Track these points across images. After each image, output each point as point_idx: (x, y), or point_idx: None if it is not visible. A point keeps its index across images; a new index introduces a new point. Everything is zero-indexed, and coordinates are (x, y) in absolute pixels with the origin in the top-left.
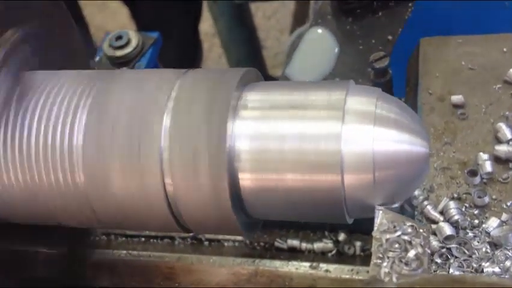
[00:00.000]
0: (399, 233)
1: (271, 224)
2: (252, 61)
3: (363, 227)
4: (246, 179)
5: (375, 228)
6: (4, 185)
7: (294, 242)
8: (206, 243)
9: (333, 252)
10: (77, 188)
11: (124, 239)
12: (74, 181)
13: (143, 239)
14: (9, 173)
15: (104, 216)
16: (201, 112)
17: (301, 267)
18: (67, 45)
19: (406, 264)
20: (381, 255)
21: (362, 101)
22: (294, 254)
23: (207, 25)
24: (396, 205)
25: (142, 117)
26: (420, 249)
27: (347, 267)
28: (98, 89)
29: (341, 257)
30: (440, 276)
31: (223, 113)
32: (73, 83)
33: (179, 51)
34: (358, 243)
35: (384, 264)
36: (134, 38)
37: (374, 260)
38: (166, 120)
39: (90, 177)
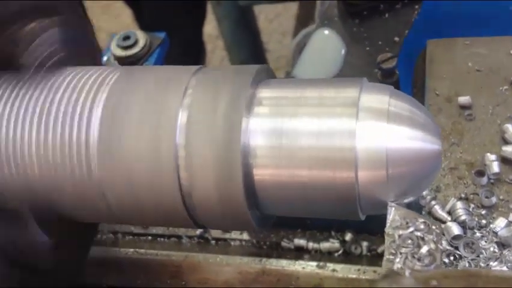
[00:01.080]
0: (411, 229)
1: (278, 223)
2: (255, 64)
3: (370, 227)
4: (260, 175)
5: (388, 224)
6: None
7: (300, 242)
8: (213, 242)
9: (340, 252)
10: (92, 181)
11: (130, 237)
12: (90, 173)
13: (150, 237)
14: (30, 163)
15: (119, 209)
16: (216, 109)
17: (308, 266)
18: (83, 41)
19: (419, 260)
20: (393, 251)
21: (375, 98)
22: (300, 253)
23: (210, 27)
24: (408, 201)
25: (158, 114)
26: (432, 245)
27: (353, 267)
28: (112, 86)
29: (347, 257)
30: (455, 271)
31: (238, 109)
32: (90, 78)
33: (182, 53)
34: (365, 243)
35: (397, 260)
36: (142, 38)
37: (386, 256)
38: (182, 117)
39: (106, 171)
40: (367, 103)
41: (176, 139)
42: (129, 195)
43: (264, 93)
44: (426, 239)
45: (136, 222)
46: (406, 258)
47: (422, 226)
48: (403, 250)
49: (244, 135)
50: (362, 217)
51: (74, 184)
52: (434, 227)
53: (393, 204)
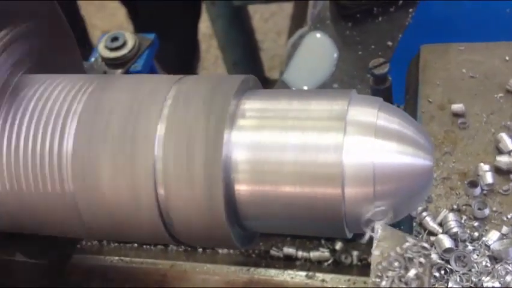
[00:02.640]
0: (399, 250)
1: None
2: (249, 63)
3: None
4: (242, 191)
5: (374, 245)
6: None
7: (290, 250)
8: (200, 250)
9: (330, 261)
10: (65, 197)
11: (116, 244)
12: (63, 189)
13: (136, 245)
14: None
15: (94, 226)
16: (196, 120)
17: (297, 276)
18: (61, 46)
19: (406, 283)
20: (380, 274)
21: (363, 111)
22: (289, 262)
23: (204, 26)
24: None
25: (136, 125)
26: (421, 268)
27: (343, 277)
28: (89, 96)
29: (337, 267)
30: None
31: (219, 121)
32: (64, 88)
33: (177, 52)
34: (355, 253)
35: (383, 283)
36: (131, 40)
37: (372, 279)
38: (161, 129)
39: (80, 186)
40: (355, 117)
41: (155, 152)
42: (104, 211)
43: (248, 104)
44: (414, 261)
45: (113, 238)
46: (393, 281)
47: (410, 247)
48: (390, 273)
49: (226, 149)
50: (349, 235)
51: (46, 198)
52: (422, 249)
53: (380, 223)
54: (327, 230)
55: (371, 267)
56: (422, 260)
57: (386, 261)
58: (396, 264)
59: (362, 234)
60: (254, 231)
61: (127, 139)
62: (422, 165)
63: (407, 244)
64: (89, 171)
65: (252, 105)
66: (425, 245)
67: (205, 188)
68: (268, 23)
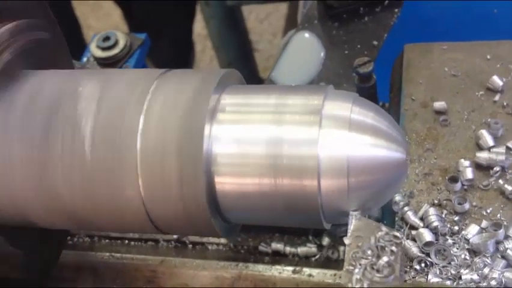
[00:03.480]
0: (372, 239)
1: (256, 227)
2: (243, 63)
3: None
4: (222, 183)
5: (348, 234)
6: None
7: (278, 246)
8: (190, 246)
9: (317, 256)
10: (55, 189)
11: (107, 241)
12: (55, 183)
13: (126, 241)
14: None
15: (80, 217)
16: (178, 114)
17: (285, 271)
18: (49, 45)
19: (378, 271)
20: (353, 262)
21: (338, 105)
22: (278, 258)
23: (199, 27)
24: (373, 210)
25: (117, 120)
26: (392, 256)
27: (329, 272)
28: (73, 88)
29: (324, 262)
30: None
31: (200, 115)
32: (50, 83)
33: (172, 52)
34: (342, 248)
35: (356, 270)
36: (122, 39)
37: (346, 267)
38: (144, 123)
39: (69, 180)
40: (330, 111)
41: (138, 145)
42: (89, 200)
43: (228, 99)
44: (386, 249)
45: (96, 228)
46: (365, 269)
47: (382, 236)
48: (362, 261)
49: (207, 142)
50: (327, 226)
51: (38, 191)
52: (394, 237)
53: (354, 213)
54: (305, 221)
55: (345, 256)
56: (393, 248)
57: (359, 250)
58: (369, 252)
59: (341, 225)
60: (235, 223)
61: (107, 133)
62: (395, 158)
63: (380, 233)
64: (75, 161)
65: (232, 100)
66: (397, 234)
67: (187, 180)
68: (263, 24)
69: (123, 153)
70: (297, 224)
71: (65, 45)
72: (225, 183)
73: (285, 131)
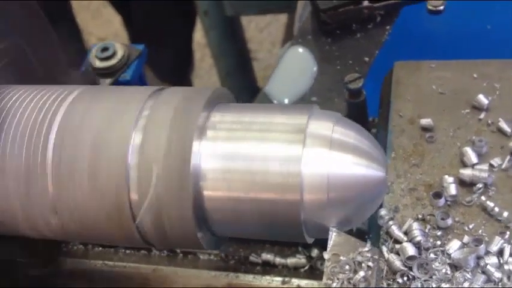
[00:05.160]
0: (350, 254)
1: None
2: (242, 73)
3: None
4: (210, 198)
5: (328, 249)
6: None
7: (268, 257)
8: (181, 255)
9: (306, 267)
10: (45, 199)
11: (100, 249)
12: (44, 192)
13: (119, 249)
14: None
15: (70, 229)
16: (169, 131)
17: (274, 281)
18: (48, 56)
19: (354, 285)
20: (331, 276)
21: (321, 125)
22: (267, 268)
23: (199, 35)
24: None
25: (111, 135)
26: (369, 271)
27: (317, 283)
28: (70, 106)
29: (313, 273)
30: None
31: (189, 132)
32: (42, 97)
33: (172, 61)
34: None
35: (334, 284)
36: (120, 50)
37: (324, 281)
38: (136, 138)
39: (58, 190)
40: (314, 130)
41: (128, 160)
42: (79, 213)
43: (218, 117)
44: (363, 264)
45: (87, 240)
46: (343, 283)
47: (360, 252)
48: (340, 276)
49: (195, 158)
50: (309, 240)
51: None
52: (371, 253)
53: (334, 229)
54: (288, 235)
55: (324, 269)
56: (370, 263)
57: (337, 265)
58: (346, 267)
59: (322, 240)
60: (222, 236)
61: (102, 147)
62: (374, 176)
63: (358, 249)
64: (67, 177)
65: (220, 117)
66: (374, 250)
67: (175, 195)
68: (263, 33)
69: (114, 169)
70: (281, 237)
71: (64, 57)
72: (212, 197)
73: (270, 149)
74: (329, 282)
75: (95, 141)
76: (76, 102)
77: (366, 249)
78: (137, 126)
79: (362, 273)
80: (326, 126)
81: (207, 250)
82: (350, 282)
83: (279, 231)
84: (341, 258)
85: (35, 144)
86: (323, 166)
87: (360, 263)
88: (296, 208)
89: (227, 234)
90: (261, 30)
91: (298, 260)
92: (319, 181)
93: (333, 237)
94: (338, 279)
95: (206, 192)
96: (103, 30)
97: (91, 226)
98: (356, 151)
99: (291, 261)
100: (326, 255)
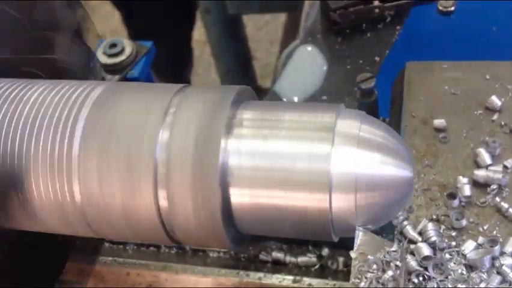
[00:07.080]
0: (377, 254)
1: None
2: (242, 71)
3: (346, 243)
4: (237, 195)
5: (355, 248)
6: None
7: (278, 255)
8: (190, 253)
9: (317, 266)
10: (73, 201)
11: (110, 245)
12: (72, 194)
13: (129, 246)
14: None
15: (99, 229)
16: (197, 128)
17: (285, 280)
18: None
19: (383, 284)
20: (359, 275)
21: (348, 124)
22: (278, 266)
23: (198, 33)
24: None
25: (139, 132)
26: (397, 271)
27: (329, 282)
28: (96, 102)
29: (324, 272)
30: None
31: (217, 129)
32: (70, 92)
33: (171, 59)
34: (341, 259)
35: (362, 284)
36: (128, 47)
37: (352, 279)
38: (163, 135)
39: (86, 191)
40: (342, 129)
41: (156, 156)
42: (106, 210)
43: (245, 114)
44: (391, 264)
45: (112, 237)
46: (371, 282)
47: (387, 251)
48: (368, 275)
49: (223, 155)
50: (335, 239)
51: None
52: (399, 252)
53: (361, 228)
54: (315, 234)
55: (352, 269)
56: (398, 263)
57: (365, 264)
58: (374, 266)
59: (347, 239)
60: (246, 234)
61: (130, 144)
62: (401, 175)
63: (386, 249)
64: (94, 176)
65: (248, 115)
66: (402, 249)
67: (203, 189)
68: (261, 32)
69: (142, 165)
70: (306, 236)
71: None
72: (239, 194)
73: (299, 147)
74: (357, 281)
75: (121, 139)
76: (103, 98)
77: (394, 248)
78: (165, 123)
79: (390, 273)
80: (353, 124)
81: (224, 249)
82: (378, 282)
83: (306, 230)
84: (369, 257)
85: (61, 140)
86: (351, 165)
87: (388, 262)
88: (324, 207)
89: (252, 232)
90: (259, 29)
91: (309, 258)
92: (347, 180)
93: (359, 236)
94: (366, 278)
95: (233, 190)
96: (101, 27)
97: (114, 224)
98: (383, 150)
99: (301, 259)
100: (352, 254)
